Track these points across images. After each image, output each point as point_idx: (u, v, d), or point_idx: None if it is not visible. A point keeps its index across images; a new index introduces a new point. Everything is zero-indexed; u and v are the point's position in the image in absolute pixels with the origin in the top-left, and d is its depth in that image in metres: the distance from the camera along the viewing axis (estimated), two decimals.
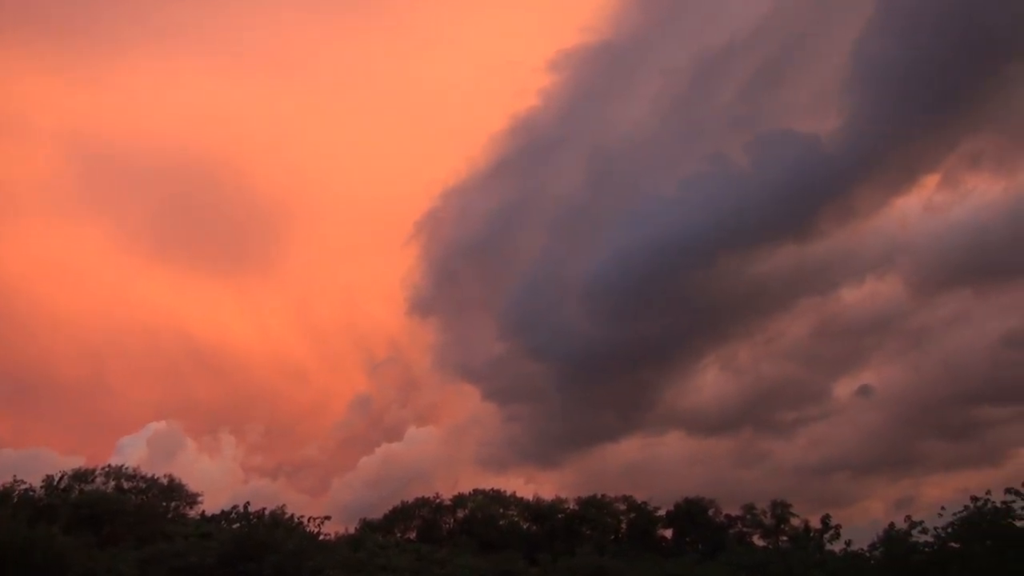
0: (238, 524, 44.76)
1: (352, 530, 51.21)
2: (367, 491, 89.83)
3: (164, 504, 46.57)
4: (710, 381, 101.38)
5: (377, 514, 61.38)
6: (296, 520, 45.27)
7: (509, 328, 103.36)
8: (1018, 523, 33.35)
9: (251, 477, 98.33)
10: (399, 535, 57.35)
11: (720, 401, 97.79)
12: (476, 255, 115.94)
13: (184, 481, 50.25)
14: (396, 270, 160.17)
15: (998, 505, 33.85)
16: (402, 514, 61.08)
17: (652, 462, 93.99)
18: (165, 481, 49.27)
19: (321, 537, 42.50)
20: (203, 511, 49.43)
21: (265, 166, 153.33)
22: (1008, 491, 34.03)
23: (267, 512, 45.38)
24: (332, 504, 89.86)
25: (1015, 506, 33.41)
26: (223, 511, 49.47)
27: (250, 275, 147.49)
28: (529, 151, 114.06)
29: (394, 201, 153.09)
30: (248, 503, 48.36)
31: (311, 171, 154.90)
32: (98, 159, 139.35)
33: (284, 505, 46.33)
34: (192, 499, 49.50)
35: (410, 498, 62.21)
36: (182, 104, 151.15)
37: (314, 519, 46.83)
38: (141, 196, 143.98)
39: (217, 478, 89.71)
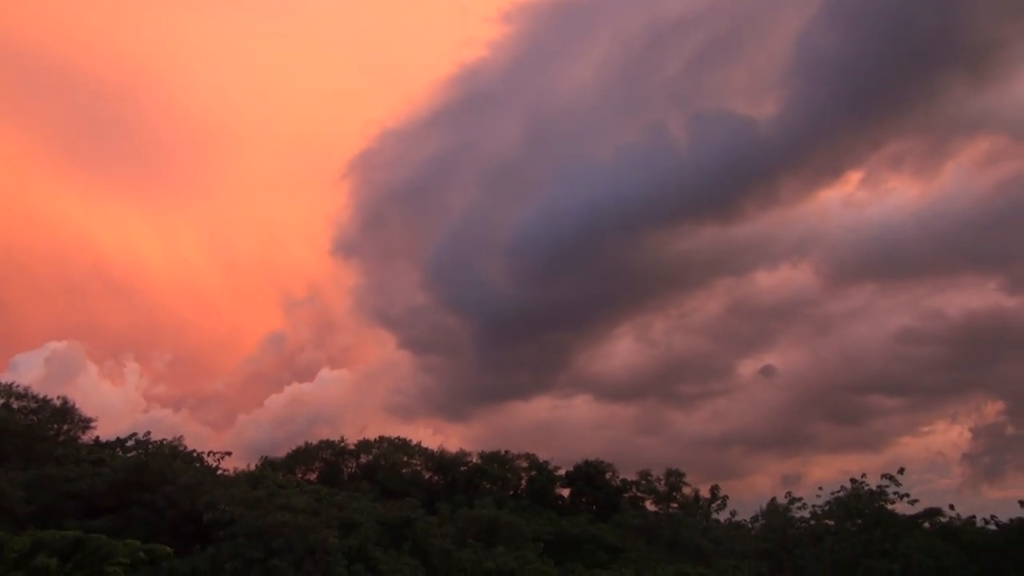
0: (134, 453, 43.73)
1: (253, 467, 50.72)
2: (273, 429, 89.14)
3: (55, 427, 44.92)
4: (623, 349, 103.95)
5: (281, 453, 60.91)
6: (195, 453, 44.54)
7: (432, 279, 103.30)
8: (889, 506, 35.88)
9: (152, 406, 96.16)
10: (300, 476, 57.06)
11: (630, 369, 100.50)
12: (407, 201, 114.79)
13: (79, 405, 48.48)
14: (323, 208, 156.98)
15: (873, 488, 36.32)
16: (305, 455, 60.63)
17: (559, 423, 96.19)
18: (58, 403, 47.46)
19: (219, 472, 42.01)
20: (97, 437, 47.98)
21: (195, 86, 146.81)
22: (884, 476, 36.52)
23: (164, 443, 44.45)
24: (235, 440, 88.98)
25: (888, 490, 35.96)
26: (118, 438, 48.17)
27: (168, 199, 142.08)
28: (471, 102, 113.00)
29: (328, 137, 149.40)
30: (149, 432, 47.21)
31: (244, 96, 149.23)
32: (6, 60, 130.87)
33: (182, 437, 45.46)
34: (86, 423, 47.86)
35: (315, 440, 61.93)
36: (108, 5, 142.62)
37: (214, 453, 46.20)
38: (54, 103, 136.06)
39: (116, 405, 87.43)
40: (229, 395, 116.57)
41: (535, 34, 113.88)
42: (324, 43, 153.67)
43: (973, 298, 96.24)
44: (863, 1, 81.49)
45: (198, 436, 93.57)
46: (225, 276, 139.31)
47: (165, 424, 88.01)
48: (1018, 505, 36.20)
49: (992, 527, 37.75)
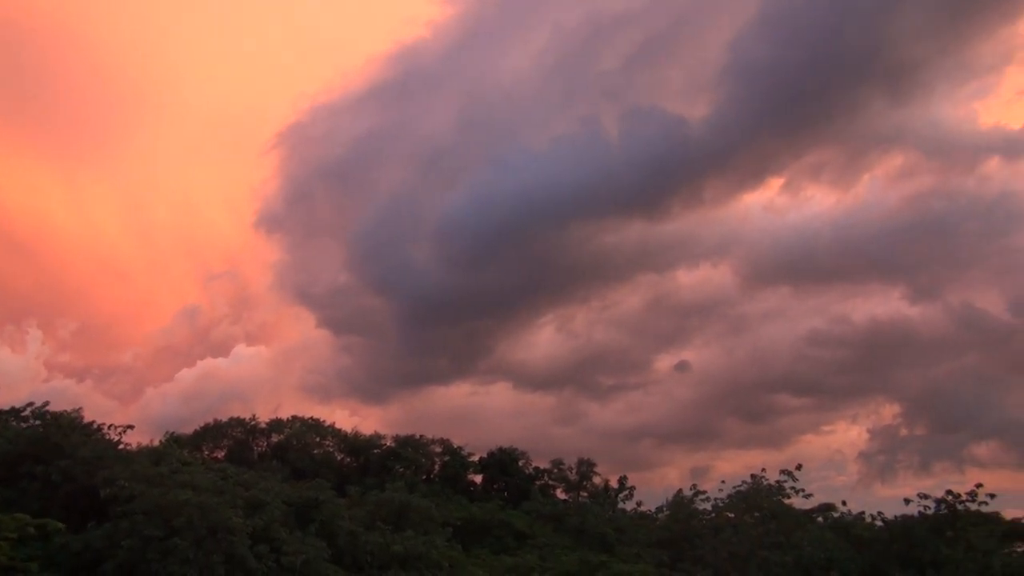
0: (30, 423, 41.79)
1: (158, 443, 49.25)
2: (182, 405, 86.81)
3: None
4: (544, 339, 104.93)
5: (189, 430, 59.37)
6: (95, 426, 42.83)
7: (356, 258, 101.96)
8: (786, 500, 37.51)
9: (54, 376, 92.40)
10: (207, 453, 55.73)
11: (550, 359, 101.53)
12: (335, 178, 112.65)
13: None
14: (247, 180, 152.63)
15: (772, 483, 37.91)
16: (213, 432, 59.26)
17: (476, 409, 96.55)
18: None
19: (121, 447, 40.51)
20: None
21: (116, 41, 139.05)
22: (783, 472, 38.13)
23: (63, 414, 42.60)
24: (142, 414, 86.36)
25: (786, 485, 37.60)
26: (13, 408, 45.94)
27: (81, 159, 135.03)
28: (407, 82, 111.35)
29: (257, 107, 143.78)
30: (47, 403, 45.16)
31: (170, 57, 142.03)
32: None
33: (82, 408, 43.57)
34: None
35: (225, 417, 60.54)
36: None
37: (115, 427, 44.47)
38: None
39: (15, 373, 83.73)
40: (137, 367, 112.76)
41: (476, 18, 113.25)
42: (259, 9, 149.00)
43: (878, 305, 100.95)
44: (796, 13, 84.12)
45: (102, 409, 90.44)
46: (139, 244, 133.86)
47: (68, 395, 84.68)
48: (904, 503, 38.32)
49: (879, 523, 39.71)
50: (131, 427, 36.88)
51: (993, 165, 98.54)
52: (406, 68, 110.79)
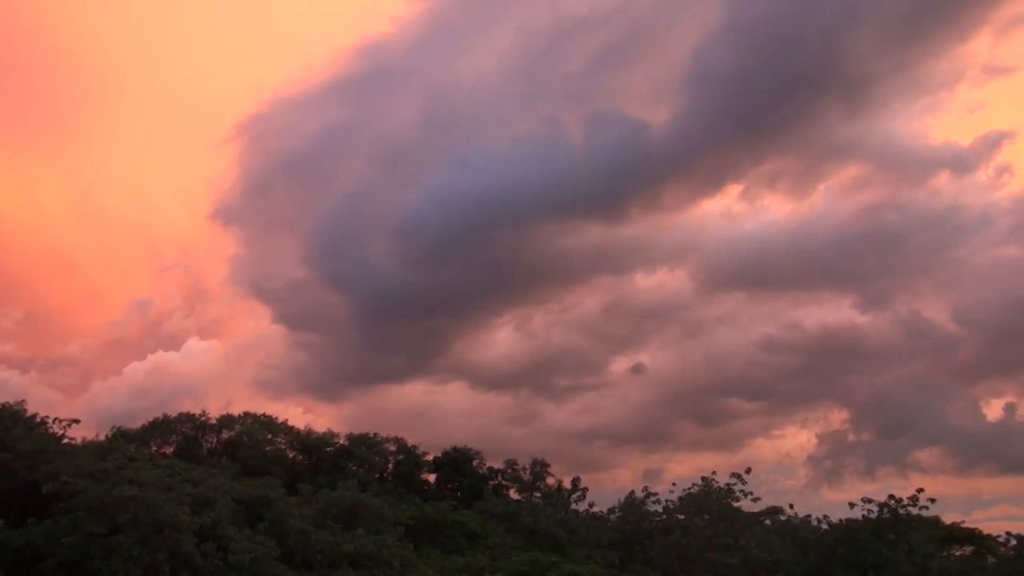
0: None
1: (104, 438, 48.16)
2: (131, 399, 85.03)
3: None
4: (502, 339, 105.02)
5: (138, 424, 58.22)
6: (38, 418, 41.70)
7: (314, 254, 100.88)
8: (735, 503, 38.18)
9: None
10: (155, 449, 54.69)
11: (507, 359, 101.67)
12: (295, 172, 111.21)
13: None
14: (204, 171, 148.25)
15: (722, 486, 38.54)
16: (162, 427, 58.19)
17: (432, 408, 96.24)
18: None
19: (65, 441, 39.50)
20: None
21: (70, 22, 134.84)
22: (733, 475, 38.78)
23: (4, 406, 41.38)
24: (88, 408, 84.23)
25: (736, 488, 38.25)
26: None
27: (30, 144, 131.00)
28: (370, 77, 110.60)
29: (216, 96, 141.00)
30: None
31: (127, 42, 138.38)
32: None
33: (24, 400, 42.41)
34: None
35: (175, 412, 59.47)
36: None
37: (60, 420, 43.35)
38: None
39: None
40: (85, 360, 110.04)
41: (442, 15, 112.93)
42: None
43: (829, 313, 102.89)
44: (758, 24, 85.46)
45: (47, 401, 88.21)
46: (90, 232, 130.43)
47: (10, 386, 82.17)
48: (849, 507, 39.24)
49: (824, 526, 40.64)
50: (77, 421, 35.94)
51: (943, 179, 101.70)
52: (370, 63, 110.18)
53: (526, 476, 61.15)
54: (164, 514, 25.05)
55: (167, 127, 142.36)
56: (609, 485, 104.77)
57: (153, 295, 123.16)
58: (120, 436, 50.39)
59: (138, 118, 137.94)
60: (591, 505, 54.62)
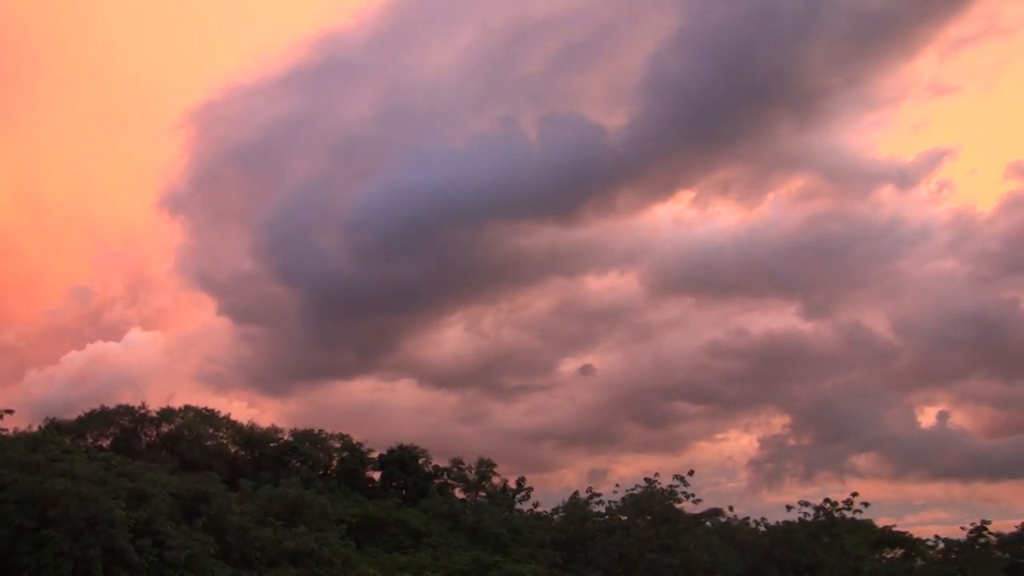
0: None
1: (37, 429, 46.71)
2: (68, 389, 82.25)
3: None
4: (452, 337, 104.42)
5: (74, 416, 56.52)
6: None
7: (263, 246, 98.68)
8: (677, 505, 38.79)
9: None
10: (92, 441, 53.21)
11: (457, 358, 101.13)
12: (246, 162, 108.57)
13: None
14: (151, 157, 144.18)
15: (665, 488, 39.13)
16: (99, 419, 56.56)
17: (379, 406, 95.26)
18: None
19: None
20: None
21: None
22: (675, 477, 39.40)
23: None
24: (22, 397, 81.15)
25: (677, 490, 38.86)
26: None
27: None
28: (327, 69, 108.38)
29: (166, 81, 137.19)
30: None
31: (73, 21, 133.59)
32: None
33: None
34: None
35: (114, 404, 57.91)
36: None
37: None
38: None
39: None
40: (20, 348, 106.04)
41: (401, 10, 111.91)
42: None
43: (774, 320, 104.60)
44: (714, 33, 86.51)
45: None
46: (29, 217, 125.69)
47: None
48: (786, 509, 40.22)
49: (762, 528, 41.56)
50: (10, 411, 34.70)
51: (886, 192, 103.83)
52: (328, 55, 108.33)
53: (472, 475, 61.09)
54: (98, 508, 24.46)
55: (114, 112, 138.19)
56: (555, 485, 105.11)
57: (94, 283, 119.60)
58: (54, 427, 48.94)
59: (84, 103, 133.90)
60: (536, 505, 54.83)
